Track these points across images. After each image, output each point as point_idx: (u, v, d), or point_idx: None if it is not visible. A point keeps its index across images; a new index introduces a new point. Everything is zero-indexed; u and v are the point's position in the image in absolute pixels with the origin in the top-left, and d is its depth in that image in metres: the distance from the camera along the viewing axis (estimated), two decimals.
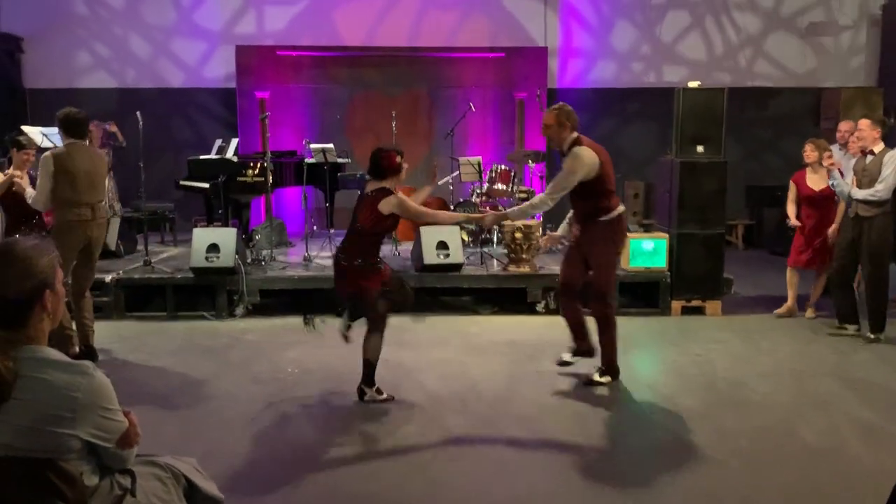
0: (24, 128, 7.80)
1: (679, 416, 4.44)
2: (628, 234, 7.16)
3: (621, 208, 4.84)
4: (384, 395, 4.63)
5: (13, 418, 1.85)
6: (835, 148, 7.28)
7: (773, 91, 11.23)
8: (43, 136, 7.69)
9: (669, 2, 11.10)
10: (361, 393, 4.63)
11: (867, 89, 10.80)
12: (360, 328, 4.73)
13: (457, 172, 8.63)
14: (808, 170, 6.60)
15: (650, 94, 10.94)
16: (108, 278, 6.82)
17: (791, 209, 6.70)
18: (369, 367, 4.61)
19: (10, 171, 5.66)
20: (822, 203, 6.51)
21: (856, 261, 6.04)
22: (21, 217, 5.76)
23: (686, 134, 6.91)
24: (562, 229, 5.28)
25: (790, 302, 6.82)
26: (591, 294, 4.92)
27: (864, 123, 5.98)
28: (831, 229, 6.41)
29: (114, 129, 8.39)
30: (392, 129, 8.22)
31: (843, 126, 7.10)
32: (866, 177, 5.91)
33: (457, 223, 7.03)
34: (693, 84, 7.04)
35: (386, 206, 4.39)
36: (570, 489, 3.51)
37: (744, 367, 5.41)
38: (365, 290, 4.51)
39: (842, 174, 6.19)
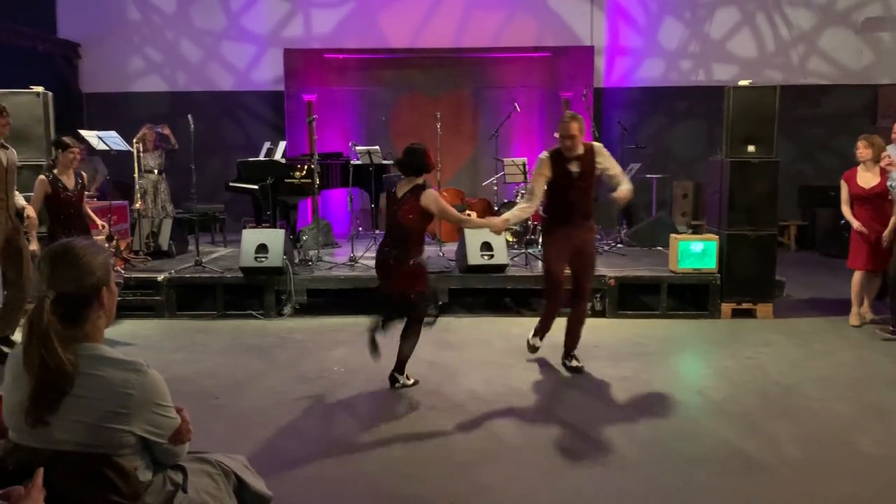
0: (81, 132, 8.06)
1: (729, 422, 4.34)
2: (675, 235, 7.09)
3: None
4: (412, 381, 4.94)
5: (71, 414, 1.91)
6: (892, 148, 7.04)
7: (827, 88, 10.93)
8: (99, 139, 7.92)
9: None
10: (394, 380, 4.90)
11: None
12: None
13: (501, 173, 8.60)
14: (860, 167, 6.38)
15: (699, 93, 10.76)
16: (161, 277, 6.99)
17: (846, 210, 6.48)
18: (405, 361, 4.88)
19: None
20: (874, 201, 6.29)
21: None
22: (63, 219, 5.95)
23: (736, 133, 6.77)
24: (516, 218, 5.19)
25: (856, 308, 6.59)
26: (578, 292, 5.16)
27: None
28: (886, 232, 6.21)
29: (167, 131, 8.59)
30: (437, 130, 8.23)
31: None
32: None
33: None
34: (744, 82, 6.90)
35: (426, 199, 4.53)
36: (616, 495, 3.47)
37: (796, 371, 5.27)
38: (416, 289, 4.63)
39: None
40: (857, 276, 6.53)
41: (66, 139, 6.08)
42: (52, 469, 1.86)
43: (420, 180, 4.62)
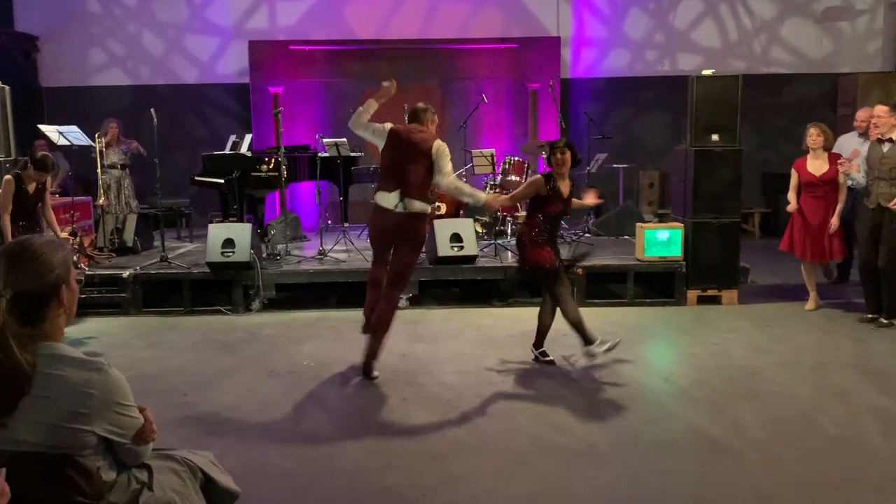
0: (41, 126, 7.89)
1: (695, 407, 4.42)
2: (642, 224, 7.16)
3: (378, 197, 4.97)
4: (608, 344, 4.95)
5: (31, 415, 1.87)
6: (853, 135, 7.19)
7: (788, 77, 11.11)
8: (59, 134, 7.76)
9: None
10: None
11: (885, 74, 10.68)
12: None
13: (470, 165, 8.61)
14: (810, 155, 6.47)
15: (664, 83, 10.86)
16: (126, 274, 6.88)
17: (792, 196, 6.57)
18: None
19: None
20: (822, 188, 6.37)
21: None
22: (17, 217, 5.95)
23: (700, 122, 6.86)
24: None
25: (814, 294, 6.71)
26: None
27: (882, 110, 5.92)
28: (833, 221, 6.31)
29: (134, 144, 8.57)
30: (404, 122, 8.18)
31: (861, 114, 7.00)
32: (886, 164, 5.84)
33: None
34: (707, 72, 6.98)
35: None
36: (586, 482, 3.50)
37: (761, 356, 5.37)
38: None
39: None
40: (804, 262, 6.68)
41: (49, 162, 5.98)
42: (13, 470, 1.82)
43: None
